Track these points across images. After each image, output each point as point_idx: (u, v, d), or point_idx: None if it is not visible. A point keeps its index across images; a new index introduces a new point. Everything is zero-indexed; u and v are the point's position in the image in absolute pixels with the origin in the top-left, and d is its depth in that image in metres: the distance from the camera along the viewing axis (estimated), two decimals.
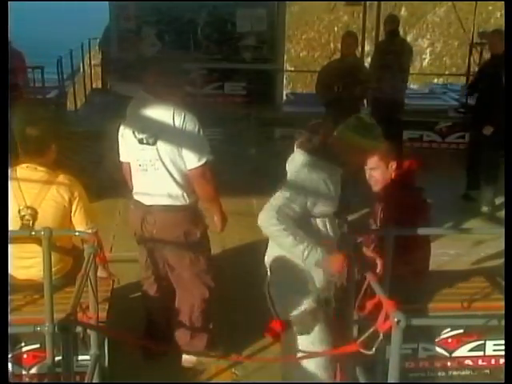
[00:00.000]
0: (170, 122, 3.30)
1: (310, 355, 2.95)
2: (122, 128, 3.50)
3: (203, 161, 3.32)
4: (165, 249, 3.50)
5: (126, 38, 6.30)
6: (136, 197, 3.51)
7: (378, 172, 3.44)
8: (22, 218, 3.36)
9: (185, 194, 3.40)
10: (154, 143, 3.33)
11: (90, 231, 3.44)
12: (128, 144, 3.45)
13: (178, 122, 3.30)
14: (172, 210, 3.40)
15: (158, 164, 3.36)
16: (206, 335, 3.65)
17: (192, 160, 3.31)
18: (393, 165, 3.43)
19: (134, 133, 3.40)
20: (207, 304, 3.61)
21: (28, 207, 3.36)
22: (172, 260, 3.52)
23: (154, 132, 3.33)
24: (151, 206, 3.42)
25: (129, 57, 6.13)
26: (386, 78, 7.13)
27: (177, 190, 3.38)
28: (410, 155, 3.72)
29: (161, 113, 3.34)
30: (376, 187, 3.48)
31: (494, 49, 6.05)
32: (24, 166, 3.41)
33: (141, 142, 3.37)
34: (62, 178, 3.44)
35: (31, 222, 3.36)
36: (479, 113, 6.14)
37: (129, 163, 3.51)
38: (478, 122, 6.14)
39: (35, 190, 3.37)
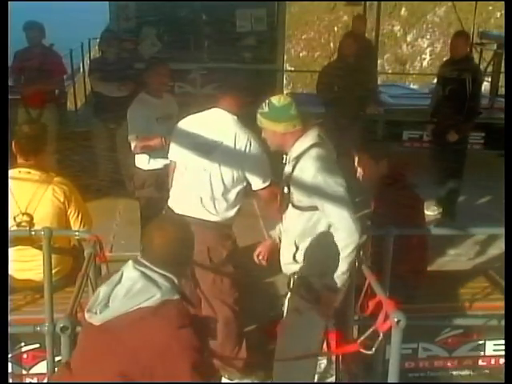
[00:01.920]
0: (233, 137, 3.26)
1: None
2: (179, 126, 3.48)
3: (268, 182, 3.32)
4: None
5: (105, 37, 6.27)
6: (170, 203, 3.46)
7: (369, 171, 3.46)
8: (18, 224, 3.33)
9: (220, 211, 3.31)
10: (210, 153, 3.27)
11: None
12: (182, 143, 3.40)
13: (243, 140, 3.26)
14: (200, 224, 3.24)
15: (205, 174, 3.28)
16: (238, 361, 3.50)
17: (258, 182, 3.31)
18: (382, 163, 3.43)
19: (190, 135, 3.35)
20: (232, 327, 3.46)
21: (23, 213, 3.33)
22: (198, 276, 3.37)
23: (214, 142, 3.27)
24: (180, 215, 3.30)
25: (109, 56, 6.09)
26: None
27: (214, 205, 3.30)
28: (400, 153, 3.73)
29: (223, 125, 3.30)
30: (366, 185, 3.50)
31: (455, 52, 5.83)
32: (16, 170, 3.37)
33: (196, 147, 3.31)
34: (56, 180, 3.42)
35: (28, 228, 3.32)
36: (442, 117, 5.89)
37: (175, 162, 3.48)
38: (440, 128, 5.91)
39: (29, 195, 3.34)
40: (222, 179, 3.26)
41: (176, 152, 3.47)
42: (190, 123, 3.45)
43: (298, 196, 2.89)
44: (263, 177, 3.31)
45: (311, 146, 2.86)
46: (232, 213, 3.36)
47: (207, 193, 3.28)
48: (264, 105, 2.92)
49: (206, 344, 2.21)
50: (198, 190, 3.30)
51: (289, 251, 3.00)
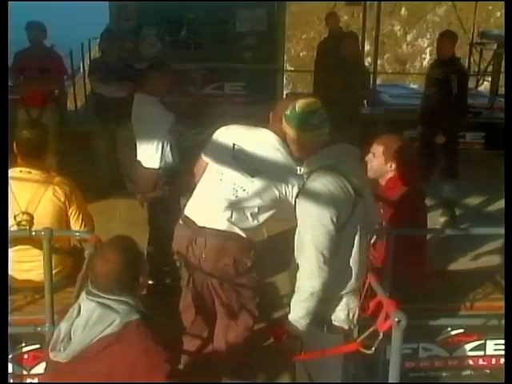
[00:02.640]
0: (280, 169, 3.04)
1: (310, 355, 2.93)
2: (223, 131, 3.23)
3: None
4: (211, 275, 3.23)
5: (106, 37, 6.28)
6: (188, 213, 3.22)
7: (375, 162, 3.40)
8: (18, 223, 3.34)
9: (249, 228, 3.12)
10: (253, 176, 3.05)
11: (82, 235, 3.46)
12: (223, 152, 3.14)
13: (290, 175, 2.99)
14: (227, 237, 3.10)
15: (242, 193, 3.08)
16: (245, 362, 3.44)
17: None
18: (392, 164, 3.39)
19: (235, 147, 3.10)
20: (250, 332, 3.38)
21: (24, 213, 3.33)
22: (217, 287, 3.25)
23: (260, 167, 3.05)
24: (204, 227, 3.13)
25: (109, 56, 6.10)
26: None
27: (244, 222, 3.11)
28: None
29: (273, 153, 3.06)
30: (369, 174, 3.38)
31: (441, 53, 5.76)
32: (17, 169, 3.37)
33: (240, 164, 3.08)
34: (58, 180, 3.42)
35: (28, 228, 3.33)
36: (429, 119, 5.85)
37: (207, 164, 3.23)
38: (428, 129, 5.89)
39: (30, 195, 3.35)
40: (259, 204, 3.08)
41: (213, 156, 3.21)
42: (237, 135, 3.18)
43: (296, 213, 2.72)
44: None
45: (321, 168, 2.61)
46: (261, 229, 3.23)
47: (240, 210, 3.11)
48: (291, 107, 2.66)
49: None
50: (231, 206, 3.11)
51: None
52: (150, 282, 4.52)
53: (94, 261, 2.11)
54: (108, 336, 1.98)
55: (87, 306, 2.04)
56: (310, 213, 2.58)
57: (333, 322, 2.77)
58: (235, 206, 3.09)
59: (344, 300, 2.75)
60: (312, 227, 2.57)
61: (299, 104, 2.64)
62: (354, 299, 2.78)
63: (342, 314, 2.76)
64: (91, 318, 2.00)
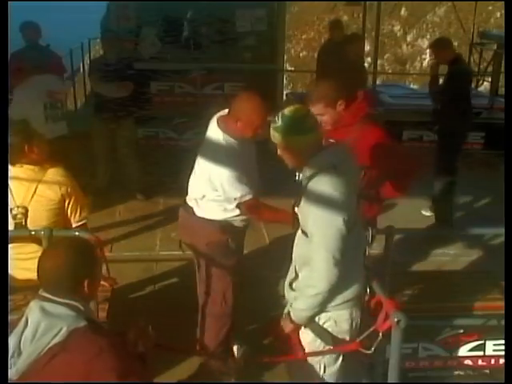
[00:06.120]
0: (216, 144, 3.28)
1: (310, 354, 2.93)
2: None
3: (245, 198, 3.19)
4: (195, 257, 3.51)
5: (108, 38, 6.27)
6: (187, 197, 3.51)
7: (326, 117, 3.22)
8: (14, 217, 3.35)
9: (214, 209, 3.34)
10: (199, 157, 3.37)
11: (80, 222, 3.50)
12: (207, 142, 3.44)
13: (221, 149, 3.25)
14: (203, 222, 3.37)
15: (197, 172, 3.38)
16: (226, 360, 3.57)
17: (232, 196, 3.21)
18: (341, 104, 3.22)
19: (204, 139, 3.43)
20: (215, 324, 3.50)
21: (18, 206, 3.34)
22: (201, 267, 3.48)
23: (203, 145, 3.37)
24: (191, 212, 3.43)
25: (109, 56, 6.09)
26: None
27: (207, 204, 3.35)
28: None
29: (211, 132, 3.39)
30: (327, 128, 3.18)
31: (439, 59, 5.81)
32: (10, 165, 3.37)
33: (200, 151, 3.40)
34: (52, 173, 3.42)
35: (23, 221, 3.35)
36: (438, 119, 5.92)
37: None
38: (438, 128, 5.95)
39: (24, 188, 3.35)
40: (210, 179, 3.26)
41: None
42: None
43: (301, 219, 2.66)
44: (236, 192, 3.18)
45: (325, 169, 2.51)
46: (220, 214, 3.34)
47: (202, 194, 3.35)
48: (277, 118, 2.55)
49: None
50: (196, 188, 3.40)
51: (289, 276, 2.84)
52: None
53: (41, 260, 2.03)
54: (55, 345, 1.91)
55: (34, 316, 1.97)
56: (321, 215, 2.49)
57: (337, 335, 2.71)
58: (195, 186, 3.40)
59: (348, 310, 2.68)
60: (324, 229, 2.49)
61: (288, 112, 2.54)
62: (357, 308, 2.71)
63: (346, 324, 2.69)
64: (38, 330, 1.93)
